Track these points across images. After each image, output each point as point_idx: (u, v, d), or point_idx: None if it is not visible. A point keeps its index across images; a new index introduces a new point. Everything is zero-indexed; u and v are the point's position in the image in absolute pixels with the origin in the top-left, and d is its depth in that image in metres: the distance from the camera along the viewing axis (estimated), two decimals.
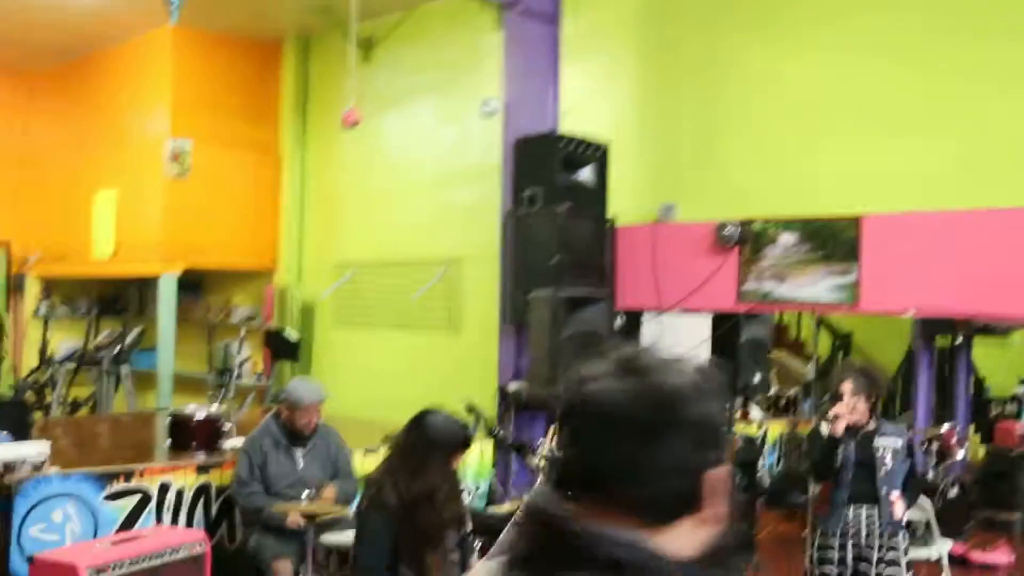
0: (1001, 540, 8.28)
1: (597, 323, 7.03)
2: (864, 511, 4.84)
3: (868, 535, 4.82)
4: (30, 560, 3.70)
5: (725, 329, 7.62)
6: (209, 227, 10.51)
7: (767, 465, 9.39)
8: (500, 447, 3.91)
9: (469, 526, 3.89)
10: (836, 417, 4.79)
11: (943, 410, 10.47)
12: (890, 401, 11.03)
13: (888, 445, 4.86)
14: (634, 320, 7.94)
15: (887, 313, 6.84)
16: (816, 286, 6.88)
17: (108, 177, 10.99)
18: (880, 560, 4.80)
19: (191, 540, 4.04)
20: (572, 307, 6.89)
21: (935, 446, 8.53)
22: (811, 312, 7.21)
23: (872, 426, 4.87)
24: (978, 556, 8.02)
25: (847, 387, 4.83)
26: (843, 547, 4.84)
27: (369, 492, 3.66)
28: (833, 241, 6.78)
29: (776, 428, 9.72)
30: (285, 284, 10.90)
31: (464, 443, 3.73)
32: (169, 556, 3.91)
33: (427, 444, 3.64)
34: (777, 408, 10.21)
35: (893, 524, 4.86)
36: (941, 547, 6.94)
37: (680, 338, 7.57)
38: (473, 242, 8.98)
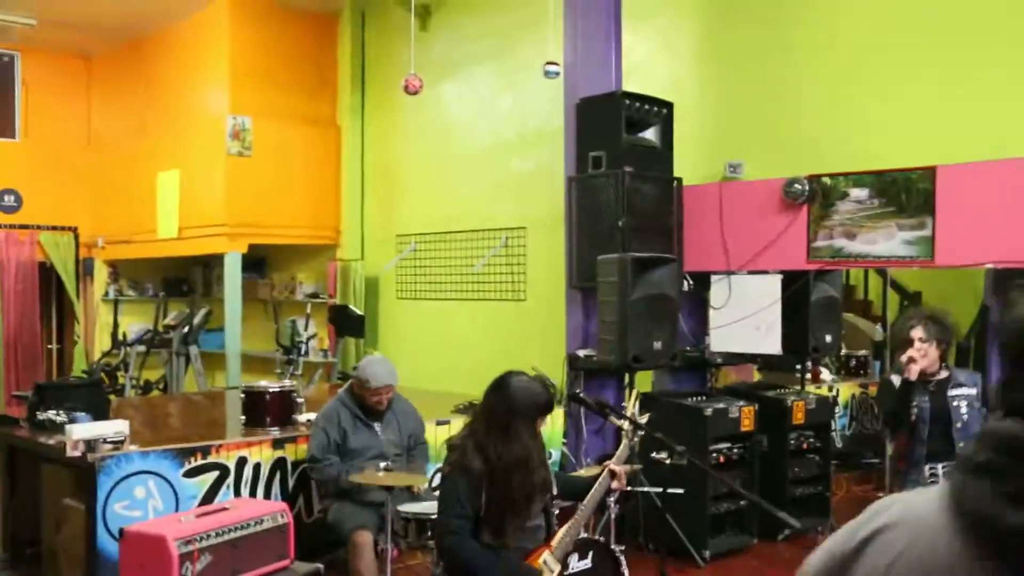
0: None
1: (666, 285, 6.94)
2: (940, 468, 4.66)
3: None
4: (120, 533, 3.74)
5: (795, 289, 7.50)
6: (271, 203, 10.58)
7: (839, 427, 9.25)
8: (582, 405, 3.84)
9: (555, 490, 3.86)
10: (910, 360, 4.63)
11: None
12: (963, 360, 10.85)
13: (963, 395, 4.69)
14: (703, 281, 7.85)
15: (964, 266, 6.67)
16: (889, 241, 6.72)
17: (170, 157, 11.11)
18: None
19: (274, 511, 4.07)
20: (640, 269, 6.81)
21: None
22: (884, 268, 7.03)
23: (944, 375, 4.69)
24: None
25: (916, 334, 4.67)
26: None
27: (452, 456, 3.64)
28: (906, 194, 6.62)
29: (847, 389, 9.58)
30: (348, 259, 10.94)
31: (548, 405, 3.69)
32: (254, 527, 3.94)
33: (511, 407, 3.60)
34: (847, 369, 10.05)
35: None
36: None
37: (750, 299, 7.47)
38: (536, 209, 8.93)
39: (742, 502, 7.30)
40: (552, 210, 8.49)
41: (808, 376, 8.96)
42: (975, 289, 10.36)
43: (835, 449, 8.59)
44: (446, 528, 3.56)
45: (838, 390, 9.15)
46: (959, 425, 4.67)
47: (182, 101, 11.27)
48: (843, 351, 10.03)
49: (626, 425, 3.71)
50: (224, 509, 4.08)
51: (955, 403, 4.68)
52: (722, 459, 7.08)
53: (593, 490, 3.86)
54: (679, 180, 7.72)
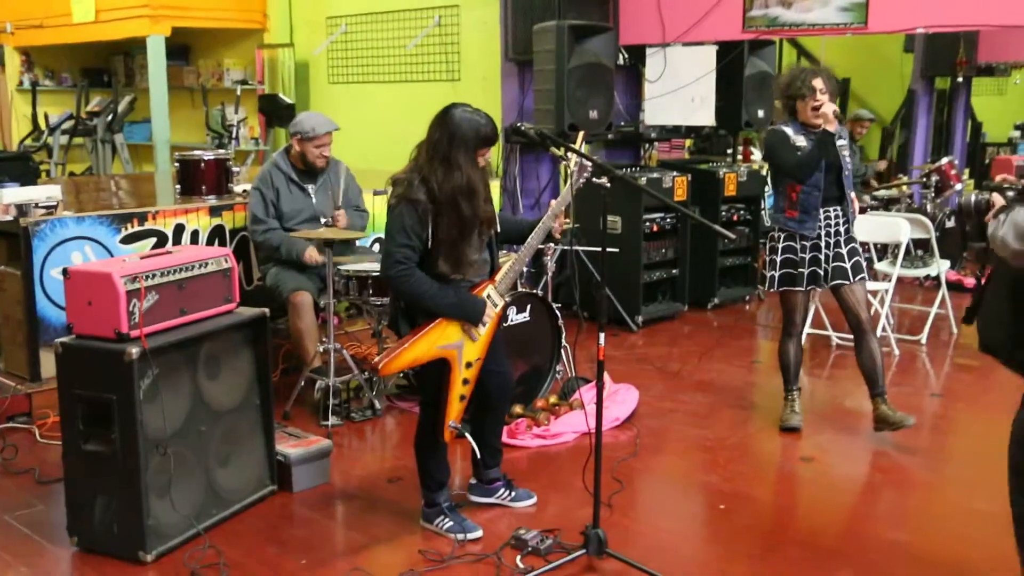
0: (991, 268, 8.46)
1: (602, 54, 6.92)
2: (832, 211, 4.90)
3: (836, 233, 4.90)
4: (64, 273, 3.74)
5: (730, 61, 7.52)
6: None
7: (768, 205, 9.47)
8: (523, 138, 3.83)
9: (498, 228, 3.91)
10: (834, 112, 4.69)
11: (940, 152, 10.53)
12: (888, 142, 11.08)
13: (843, 145, 4.84)
14: (639, 55, 7.82)
15: (896, 31, 6.73)
16: (824, 8, 6.73)
17: None
18: (841, 252, 4.91)
19: (218, 255, 4.07)
20: (576, 37, 6.76)
21: (933, 179, 8.60)
22: (819, 36, 7.05)
23: (832, 128, 4.77)
24: (971, 283, 8.23)
25: (819, 84, 4.73)
26: (815, 248, 4.89)
27: (397, 190, 3.66)
28: None
29: None
30: (275, 43, 10.62)
31: (490, 135, 3.69)
32: (199, 269, 3.95)
33: (453, 137, 3.60)
34: None
35: (851, 220, 4.98)
36: (940, 266, 7.12)
37: (684, 71, 7.48)
38: None
39: (674, 270, 7.53)
40: None
41: (739, 157, 9.12)
42: (902, 76, 10.51)
43: (764, 227, 8.83)
44: (392, 258, 3.61)
45: (767, 168, 9.31)
46: (847, 173, 4.89)
47: None
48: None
49: (572, 160, 3.73)
50: (168, 252, 4.09)
51: (843, 152, 4.84)
52: (655, 228, 7.26)
53: (536, 229, 3.93)
54: None
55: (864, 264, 5.01)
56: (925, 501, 4.38)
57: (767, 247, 5.14)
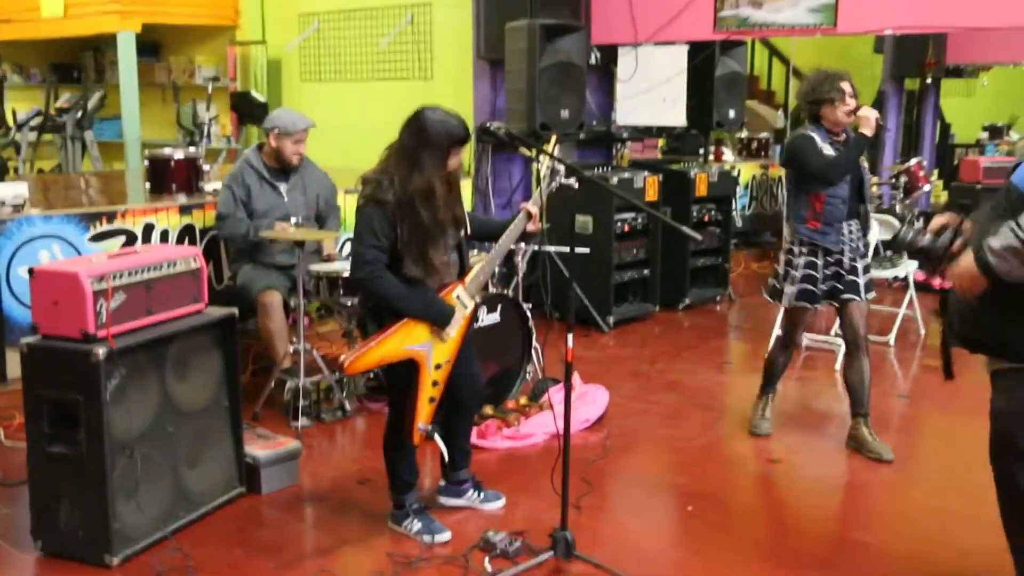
0: None
1: (573, 53, 6.93)
2: (855, 225, 4.80)
3: (854, 249, 4.79)
4: (29, 272, 3.71)
5: (701, 61, 7.55)
6: None
7: (739, 206, 9.53)
8: (492, 139, 3.82)
9: (469, 229, 3.91)
10: (878, 116, 4.62)
11: (909, 152, 10.62)
12: None
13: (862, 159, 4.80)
14: (610, 55, 7.83)
15: (865, 32, 6.78)
16: (794, 9, 6.77)
17: None
18: (857, 267, 4.84)
19: (187, 255, 4.05)
20: (548, 36, 6.76)
21: (903, 180, 8.65)
22: (789, 36, 7.09)
23: (869, 133, 4.66)
24: (938, 283, 8.29)
25: (847, 87, 4.62)
26: (838, 263, 4.76)
27: (366, 190, 3.65)
28: None
29: (748, 170, 9.83)
30: (247, 40, 10.56)
31: (461, 135, 3.68)
32: (167, 269, 3.92)
33: (423, 138, 3.59)
34: (749, 151, 10.28)
35: (867, 234, 4.93)
36: (908, 267, 7.17)
37: (656, 70, 7.51)
38: None
39: (645, 271, 7.55)
40: None
41: (711, 157, 9.16)
42: (872, 76, 10.59)
43: (735, 228, 8.88)
44: (361, 259, 3.60)
45: (739, 170, 9.38)
46: (867, 184, 4.80)
47: None
48: (744, 134, 10.24)
49: (544, 163, 3.72)
50: (135, 252, 4.06)
51: (862, 163, 4.77)
52: (627, 228, 7.28)
53: (509, 230, 3.91)
54: None
55: (872, 281, 4.91)
56: (892, 502, 4.41)
57: (782, 259, 4.92)
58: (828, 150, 4.65)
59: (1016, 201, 2.70)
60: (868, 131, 4.60)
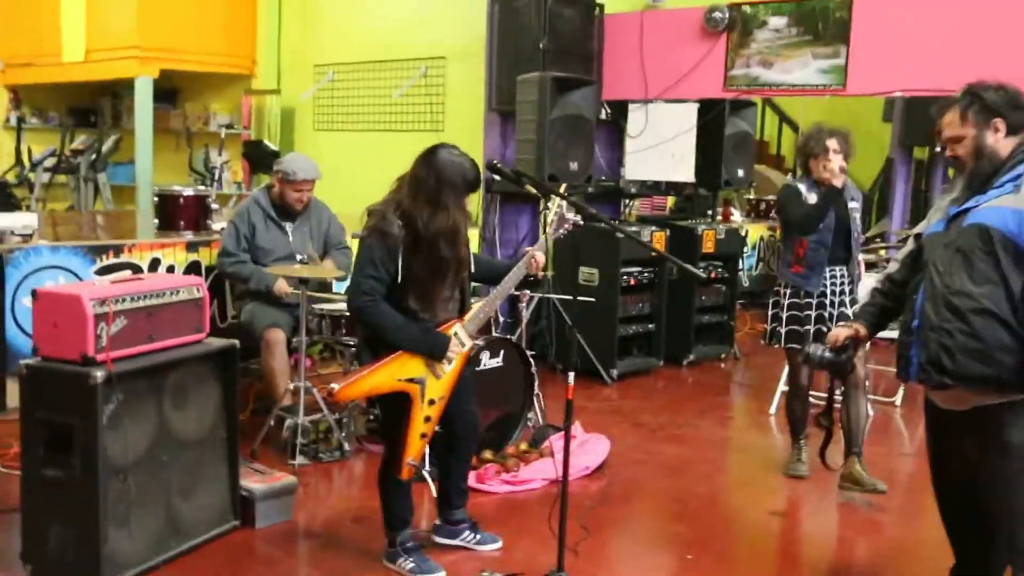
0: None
1: (584, 107, 6.99)
2: (838, 271, 4.99)
3: (840, 293, 4.99)
4: (33, 295, 3.71)
5: (711, 119, 7.60)
6: (184, 26, 10.19)
7: (747, 267, 9.54)
8: (498, 175, 3.82)
9: (472, 268, 3.91)
10: (841, 170, 4.81)
11: (918, 218, 10.64)
12: (867, 210, 11.21)
13: (855, 208, 4.99)
14: (621, 111, 7.90)
15: (874, 94, 6.83)
16: (804, 70, 6.84)
17: None
18: (846, 312, 4.94)
19: (189, 284, 4.05)
20: (559, 89, 6.83)
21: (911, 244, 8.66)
22: (799, 96, 7.15)
23: (839, 187, 4.87)
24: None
25: (832, 145, 4.84)
26: (820, 306, 4.96)
27: (371, 221, 3.66)
28: (823, 22, 6.71)
29: (756, 231, 9.86)
30: (263, 88, 10.69)
31: (475, 181, 3.69)
32: (169, 296, 3.92)
33: (440, 178, 3.60)
34: (757, 212, 10.32)
35: (855, 282, 5.10)
36: None
37: (666, 127, 7.56)
38: (456, 38, 8.81)
39: (650, 325, 7.54)
40: (472, 40, 8.38)
41: (719, 217, 9.19)
42: (881, 144, 10.66)
43: (742, 287, 8.88)
44: (359, 288, 3.59)
45: (747, 231, 9.40)
46: (855, 235, 4.99)
47: None
48: (753, 196, 10.29)
49: (552, 208, 3.73)
50: (139, 279, 4.06)
51: (854, 215, 4.96)
52: (632, 282, 7.27)
53: (512, 272, 3.92)
54: (601, 7, 7.70)
55: None
56: (897, 559, 4.34)
57: (771, 301, 5.19)
58: (814, 199, 4.92)
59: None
60: (836, 181, 4.82)
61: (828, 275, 4.97)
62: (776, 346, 5.12)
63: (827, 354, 3.44)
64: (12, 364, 5.28)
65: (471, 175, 3.70)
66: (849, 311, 4.93)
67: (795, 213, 4.94)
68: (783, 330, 5.05)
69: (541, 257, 3.94)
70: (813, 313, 4.97)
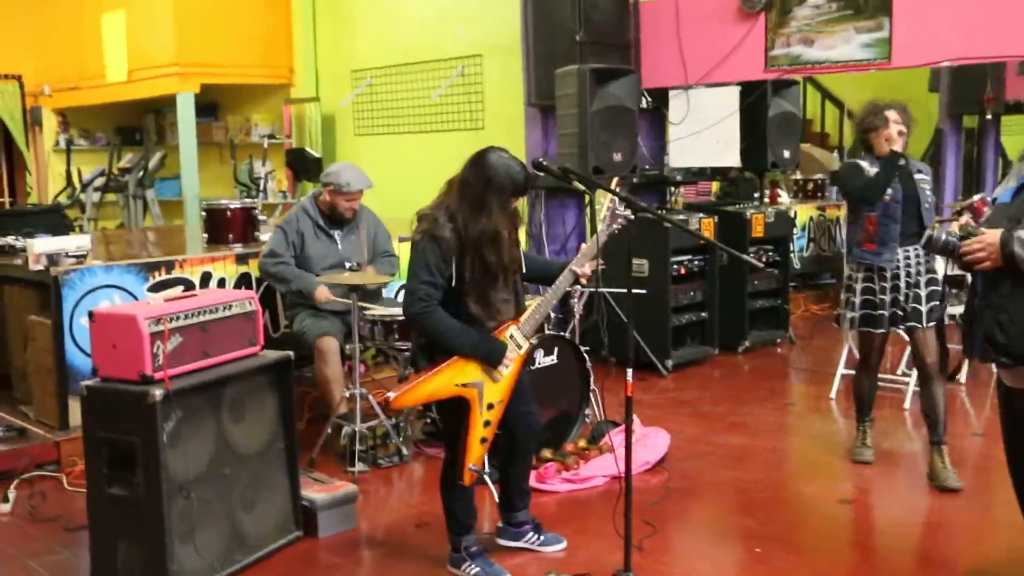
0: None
1: (624, 97, 6.92)
2: (912, 251, 4.78)
3: (916, 273, 4.78)
4: (90, 316, 3.75)
5: (753, 100, 7.50)
6: (222, 41, 10.31)
7: (797, 248, 9.41)
8: (545, 172, 3.77)
9: (524, 269, 3.87)
10: (900, 133, 4.66)
11: (971, 189, 10.42)
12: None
13: (924, 180, 4.80)
14: (661, 99, 7.83)
15: (920, 65, 6.68)
16: (847, 45, 6.72)
17: None
18: (920, 293, 4.78)
19: (242, 298, 4.06)
20: (599, 80, 6.77)
21: (966, 216, 8.49)
22: (842, 73, 7.01)
23: (903, 163, 4.73)
24: None
25: (892, 115, 4.70)
26: (895, 288, 4.77)
27: (422, 225, 3.63)
28: None
29: (804, 212, 9.71)
30: (302, 97, 10.75)
31: (524, 184, 3.64)
32: (223, 311, 3.94)
33: (487, 180, 3.56)
34: (805, 193, 10.17)
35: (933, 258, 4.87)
36: None
37: (708, 112, 7.48)
38: (491, 35, 8.79)
39: (703, 313, 7.46)
40: (507, 36, 8.35)
41: (766, 199, 9.07)
42: (929, 114, 10.45)
43: (794, 270, 8.76)
44: (414, 295, 3.57)
45: (796, 212, 9.26)
46: (927, 206, 4.77)
47: None
48: (799, 176, 10.15)
49: (604, 205, 3.65)
50: (192, 295, 4.09)
51: (922, 186, 4.78)
52: (683, 271, 7.20)
53: (564, 272, 3.85)
54: None
55: (941, 307, 4.86)
56: (973, 544, 4.23)
57: (844, 285, 5.02)
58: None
59: None
60: (895, 146, 4.67)
61: (902, 255, 4.77)
62: (846, 330, 4.94)
63: (949, 237, 3.20)
64: (72, 383, 5.35)
65: (519, 178, 3.64)
66: (924, 292, 4.77)
67: (856, 183, 4.76)
68: (856, 314, 4.87)
69: (587, 269, 3.85)
70: (888, 296, 4.79)
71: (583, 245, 3.90)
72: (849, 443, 5.29)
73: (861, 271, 4.87)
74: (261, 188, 10.01)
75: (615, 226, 3.81)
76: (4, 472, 5.07)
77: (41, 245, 5.45)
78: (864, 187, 4.73)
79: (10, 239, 6.17)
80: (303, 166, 10.26)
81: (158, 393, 3.54)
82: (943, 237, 3.16)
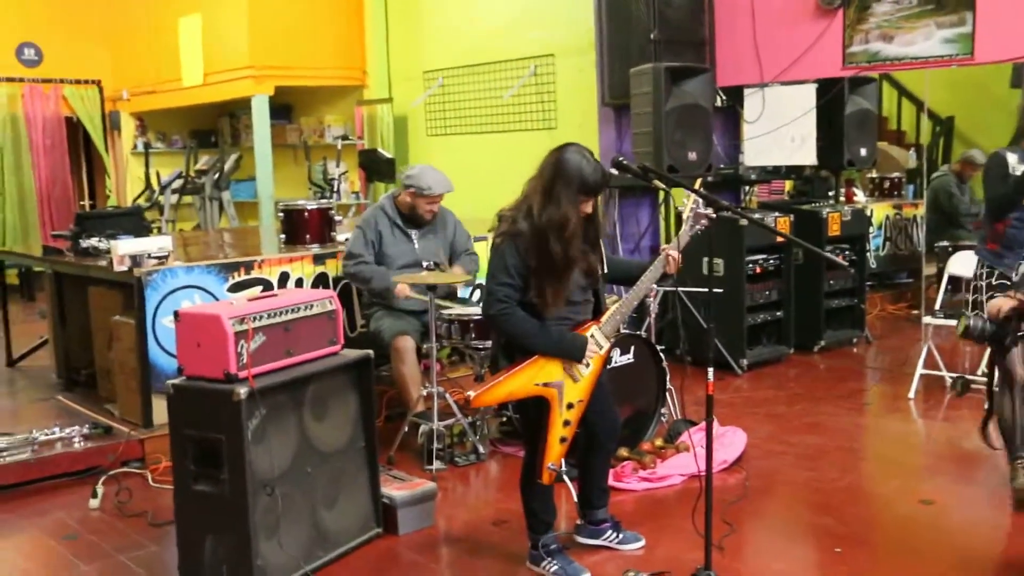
0: None
1: (699, 95, 6.88)
2: None
3: None
4: (175, 316, 3.83)
5: (830, 98, 7.40)
6: (296, 44, 10.45)
7: (873, 247, 9.26)
8: (626, 172, 3.75)
9: (604, 269, 3.85)
10: None
11: None
12: None
13: None
14: (736, 97, 7.76)
15: (1005, 61, 6.52)
16: (928, 41, 6.59)
17: (190, 2, 10.94)
18: None
19: (323, 297, 4.12)
20: (673, 79, 6.74)
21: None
22: (922, 69, 6.87)
23: None
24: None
25: None
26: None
27: (502, 227, 3.65)
28: None
29: (881, 210, 9.56)
30: (374, 99, 10.85)
31: (594, 184, 3.62)
32: (304, 311, 4.00)
33: (558, 172, 3.57)
34: (881, 191, 10.00)
35: None
36: None
37: (784, 110, 7.39)
38: (563, 35, 8.79)
39: (779, 313, 7.38)
40: (580, 35, 8.36)
41: (842, 198, 8.94)
42: (1010, 111, 10.19)
43: (870, 269, 8.62)
44: (493, 296, 3.59)
45: (872, 211, 9.12)
46: None
47: None
48: (876, 174, 9.99)
49: (688, 205, 3.63)
50: (273, 295, 4.16)
51: None
52: (758, 270, 7.14)
53: (648, 272, 3.84)
54: None
55: None
56: None
57: (971, 286, 4.78)
58: (1022, 171, 4.51)
59: None
60: None
61: None
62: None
63: (988, 325, 3.12)
64: (155, 382, 5.48)
65: (589, 176, 3.60)
66: None
67: (996, 193, 4.51)
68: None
69: (677, 255, 3.85)
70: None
71: (666, 245, 3.90)
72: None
73: (984, 269, 4.64)
74: (335, 189, 10.13)
75: (699, 226, 3.80)
76: (91, 468, 5.21)
77: (125, 247, 5.59)
78: (1003, 196, 4.49)
79: (93, 241, 6.34)
80: (376, 167, 10.34)
81: (243, 391, 3.61)
82: (987, 329, 3.09)
